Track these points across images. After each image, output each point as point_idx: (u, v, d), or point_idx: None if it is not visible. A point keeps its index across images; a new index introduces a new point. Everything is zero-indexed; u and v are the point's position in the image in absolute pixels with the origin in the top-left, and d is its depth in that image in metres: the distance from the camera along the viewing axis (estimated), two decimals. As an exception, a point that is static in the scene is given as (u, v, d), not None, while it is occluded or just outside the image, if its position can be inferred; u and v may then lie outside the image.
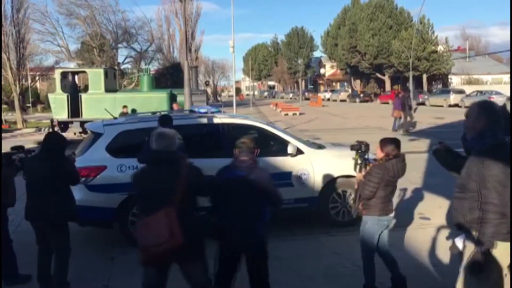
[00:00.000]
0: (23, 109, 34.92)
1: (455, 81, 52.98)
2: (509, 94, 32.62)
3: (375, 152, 4.59)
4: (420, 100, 39.82)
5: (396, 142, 4.46)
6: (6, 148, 5.39)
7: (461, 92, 39.33)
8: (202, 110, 7.04)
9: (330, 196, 6.80)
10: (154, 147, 3.71)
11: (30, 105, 46.13)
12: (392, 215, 4.59)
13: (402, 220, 6.86)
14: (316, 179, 6.71)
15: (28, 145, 5.51)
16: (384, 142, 4.46)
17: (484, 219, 2.86)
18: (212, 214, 4.00)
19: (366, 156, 4.66)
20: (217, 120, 6.73)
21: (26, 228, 5.01)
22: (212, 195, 3.95)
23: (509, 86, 42.18)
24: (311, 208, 6.83)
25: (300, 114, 33.92)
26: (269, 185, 3.94)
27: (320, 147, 7.42)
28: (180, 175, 3.53)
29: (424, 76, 50.59)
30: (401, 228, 6.56)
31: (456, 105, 35.24)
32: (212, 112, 7.08)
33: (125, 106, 16.84)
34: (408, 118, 20.91)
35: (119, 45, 41.27)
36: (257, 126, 7.14)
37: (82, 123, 17.25)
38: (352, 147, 4.75)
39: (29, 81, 47.36)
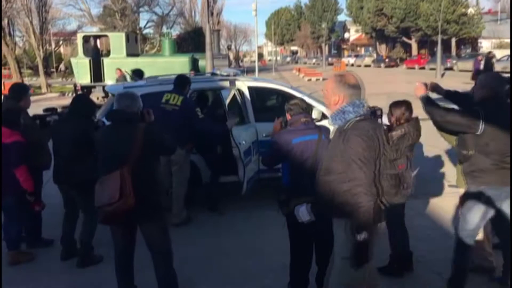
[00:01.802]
0: (47, 74, 35.23)
1: (485, 45, 51.18)
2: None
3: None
4: (448, 65, 38.61)
5: (406, 105, 4.12)
6: (39, 110, 5.34)
7: (491, 56, 37.95)
8: (224, 73, 6.86)
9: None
10: (115, 107, 3.73)
11: (54, 69, 46.54)
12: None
13: (429, 189, 6.69)
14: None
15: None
16: (393, 105, 4.15)
17: (355, 204, 2.62)
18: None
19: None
20: (239, 83, 6.54)
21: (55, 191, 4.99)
22: (273, 164, 3.82)
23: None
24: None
25: (324, 79, 33.31)
26: None
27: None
28: (136, 134, 3.50)
29: (453, 40, 48.93)
30: (428, 196, 6.38)
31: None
32: (235, 75, 6.89)
33: (119, 69, 16.05)
34: None
35: (141, 9, 41.02)
36: (282, 90, 6.96)
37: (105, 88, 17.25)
38: None
39: (53, 45, 47.66)
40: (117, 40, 19.29)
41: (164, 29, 40.07)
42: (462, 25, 47.30)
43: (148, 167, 3.59)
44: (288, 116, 3.77)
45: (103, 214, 3.48)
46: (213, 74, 7.31)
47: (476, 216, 3.57)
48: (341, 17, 75.77)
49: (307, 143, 3.54)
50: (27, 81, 32.18)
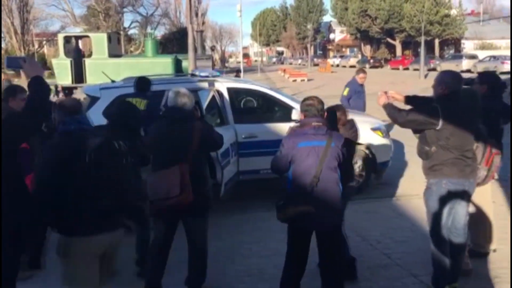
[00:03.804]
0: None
1: (468, 46, 51.72)
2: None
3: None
4: (432, 65, 38.96)
5: (341, 109, 4.15)
6: None
7: (473, 57, 38.38)
8: (203, 74, 6.75)
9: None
10: (170, 105, 3.74)
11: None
12: None
13: (409, 189, 6.69)
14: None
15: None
16: (328, 110, 4.10)
17: None
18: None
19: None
20: (218, 84, 6.45)
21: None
22: (281, 168, 3.56)
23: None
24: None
25: (309, 80, 33.41)
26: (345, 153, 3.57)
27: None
28: (194, 132, 3.61)
29: (436, 41, 49.37)
30: (408, 197, 6.37)
31: (469, 71, 34.35)
32: (214, 76, 6.80)
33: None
34: None
35: (125, 10, 40.64)
36: (261, 91, 6.90)
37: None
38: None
39: (36, 46, 46.99)
40: (98, 41, 19.04)
41: (149, 30, 39.76)
42: (445, 26, 47.78)
43: (201, 163, 3.76)
44: (302, 117, 3.57)
45: (157, 208, 3.57)
46: (192, 75, 7.21)
47: (441, 211, 3.63)
48: (327, 18, 76.16)
49: (313, 149, 3.35)
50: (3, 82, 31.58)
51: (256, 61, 77.27)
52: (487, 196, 4.33)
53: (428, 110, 3.59)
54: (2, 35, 36.49)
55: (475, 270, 4.11)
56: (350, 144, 4.01)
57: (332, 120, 3.97)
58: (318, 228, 3.37)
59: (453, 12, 48.81)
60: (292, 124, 3.85)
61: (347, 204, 4.01)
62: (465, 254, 3.88)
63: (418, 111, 3.65)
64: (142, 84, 5.56)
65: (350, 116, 4.29)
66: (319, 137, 3.38)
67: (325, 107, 4.19)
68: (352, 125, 4.16)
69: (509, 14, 57.91)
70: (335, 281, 3.57)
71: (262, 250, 4.82)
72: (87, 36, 21.50)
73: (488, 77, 4.50)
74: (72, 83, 18.69)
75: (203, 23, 50.24)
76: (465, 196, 3.67)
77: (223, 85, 6.49)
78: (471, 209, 4.23)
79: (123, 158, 2.82)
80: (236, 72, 16.49)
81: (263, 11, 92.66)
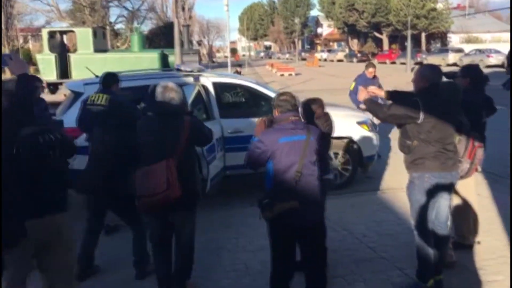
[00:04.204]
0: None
1: (454, 39, 52.08)
2: (507, 53, 32.08)
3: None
4: (418, 59, 39.20)
5: (318, 102, 4.14)
6: None
7: (459, 51, 38.72)
8: (188, 68, 6.69)
9: (321, 158, 6.55)
10: (158, 99, 3.69)
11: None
12: None
13: (395, 182, 6.72)
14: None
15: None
16: (305, 103, 4.15)
17: None
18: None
19: None
20: (203, 79, 6.40)
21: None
22: (257, 166, 3.49)
23: (507, 44, 41.47)
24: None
25: (296, 74, 33.40)
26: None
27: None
28: (183, 127, 3.58)
29: (423, 35, 49.63)
30: (394, 190, 6.40)
31: (455, 64, 34.66)
32: (199, 70, 6.74)
33: None
34: None
35: (110, 4, 40.15)
36: (247, 86, 6.85)
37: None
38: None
39: (20, 41, 46.31)
40: (83, 36, 18.85)
41: (135, 25, 39.37)
42: (432, 20, 48.03)
43: (190, 158, 3.73)
44: (275, 113, 3.48)
45: (144, 204, 3.54)
46: (177, 69, 7.13)
47: (424, 205, 3.65)
48: (314, 12, 76.24)
49: (294, 144, 3.29)
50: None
51: (244, 55, 77.02)
52: (470, 188, 4.36)
53: (408, 104, 3.59)
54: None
55: (459, 262, 4.15)
56: (325, 137, 4.01)
57: (309, 113, 4.00)
58: (305, 223, 3.34)
59: (439, 6, 49.06)
60: (264, 117, 3.65)
61: (326, 197, 3.99)
62: (448, 247, 3.90)
63: (399, 105, 3.66)
64: (106, 79, 5.29)
65: (336, 110, 4.29)
66: (299, 131, 3.35)
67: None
68: (327, 118, 4.16)
69: (495, 8, 58.50)
70: (321, 275, 3.55)
71: (248, 245, 4.81)
72: (72, 31, 21.26)
73: (471, 71, 4.52)
74: (57, 78, 18.49)
75: (190, 17, 50.01)
76: (448, 189, 3.69)
77: (208, 79, 6.44)
78: (455, 201, 4.26)
79: (50, 151, 2.85)
80: (238, 66, 16.08)
81: (250, 5, 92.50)
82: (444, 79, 4.50)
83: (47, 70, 18.44)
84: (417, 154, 3.62)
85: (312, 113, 4.05)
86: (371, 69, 8.53)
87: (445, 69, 4.89)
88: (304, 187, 3.31)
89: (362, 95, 3.89)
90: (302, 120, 3.57)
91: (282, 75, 33.40)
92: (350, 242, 4.82)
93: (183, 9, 44.03)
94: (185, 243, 3.83)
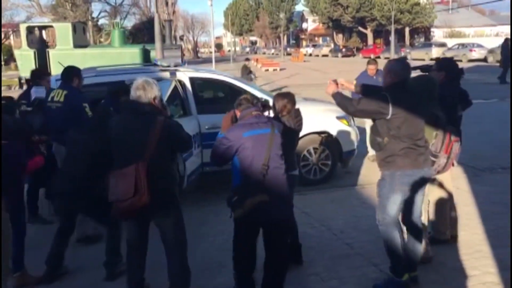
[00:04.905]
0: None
1: (437, 34, 52.50)
2: (490, 47, 32.43)
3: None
4: (402, 54, 39.39)
5: (289, 97, 4.06)
6: None
7: (443, 45, 38.95)
8: (164, 63, 6.56)
9: (300, 154, 6.48)
10: (130, 97, 3.48)
11: (3, 62, 44.43)
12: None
13: (373, 178, 6.66)
14: (285, 136, 6.37)
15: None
16: (276, 97, 4.09)
17: None
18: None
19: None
20: (180, 74, 6.28)
21: None
22: (223, 162, 3.48)
23: (490, 38, 41.95)
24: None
25: (281, 69, 33.31)
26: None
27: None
28: (153, 128, 3.32)
29: (407, 30, 49.92)
30: (373, 185, 6.34)
31: (438, 59, 34.90)
32: (176, 65, 6.61)
33: None
34: None
35: (92, -1, 39.68)
36: (225, 81, 6.75)
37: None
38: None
39: (1, 37, 45.47)
40: (63, 31, 18.54)
41: (118, 20, 38.90)
42: (415, 14, 48.36)
43: (163, 162, 3.45)
44: (237, 112, 3.56)
45: (117, 209, 3.36)
46: (154, 65, 7.00)
47: (393, 202, 3.61)
48: (299, 7, 76.09)
49: (259, 137, 3.31)
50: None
51: (229, 51, 76.71)
52: (447, 183, 4.32)
53: (378, 99, 3.53)
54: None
55: (435, 258, 4.11)
56: (294, 132, 3.99)
57: (279, 108, 3.96)
58: (271, 219, 3.29)
59: (423, 0, 49.40)
60: (231, 112, 3.67)
61: (293, 193, 3.94)
62: (422, 243, 3.86)
63: (368, 100, 3.60)
64: (66, 73, 5.11)
65: (315, 105, 4.22)
66: (262, 125, 3.39)
67: (296, 97, 4.15)
68: (297, 114, 4.10)
69: (478, 3, 59.00)
70: (282, 272, 3.52)
71: (224, 243, 4.70)
72: (51, 26, 20.90)
73: (446, 64, 4.47)
74: (37, 74, 18.16)
75: (174, 12, 49.59)
76: (420, 185, 3.64)
77: (185, 74, 6.32)
78: (432, 196, 4.22)
79: None
80: (246, 60, 15.66)
81: (235, 0, 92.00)
82: (420, 73, 4.46)
83: (26, 66, 18.07)
84: (388, 152, 3.57)
85: (282, 108, 3.98)
86: (371, 66, 7.97)
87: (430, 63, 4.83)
88: (271, 181, 3.29)
89: (331, 88, 3.79)
90: (269, 115, 3.57)
91: (267, 70, 33.31)
92: (327, 238, 4.77)
93: (167, 3, 43.61)
94: (172, 247, 3.56)
